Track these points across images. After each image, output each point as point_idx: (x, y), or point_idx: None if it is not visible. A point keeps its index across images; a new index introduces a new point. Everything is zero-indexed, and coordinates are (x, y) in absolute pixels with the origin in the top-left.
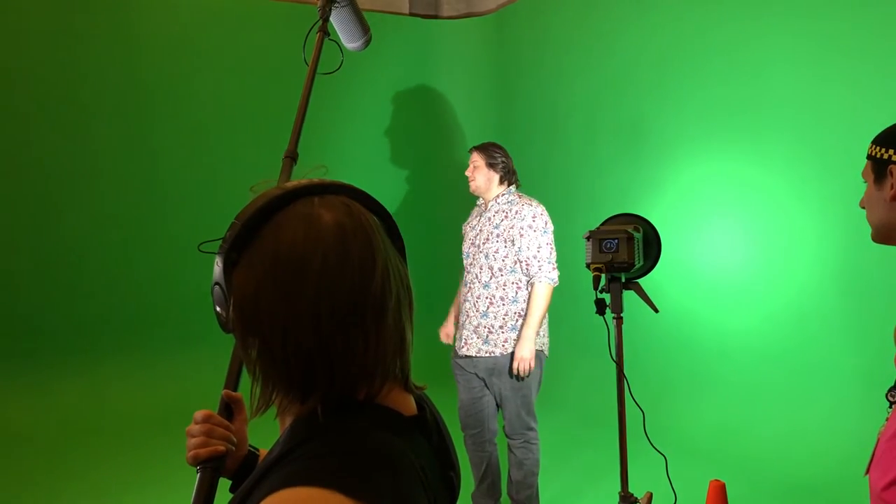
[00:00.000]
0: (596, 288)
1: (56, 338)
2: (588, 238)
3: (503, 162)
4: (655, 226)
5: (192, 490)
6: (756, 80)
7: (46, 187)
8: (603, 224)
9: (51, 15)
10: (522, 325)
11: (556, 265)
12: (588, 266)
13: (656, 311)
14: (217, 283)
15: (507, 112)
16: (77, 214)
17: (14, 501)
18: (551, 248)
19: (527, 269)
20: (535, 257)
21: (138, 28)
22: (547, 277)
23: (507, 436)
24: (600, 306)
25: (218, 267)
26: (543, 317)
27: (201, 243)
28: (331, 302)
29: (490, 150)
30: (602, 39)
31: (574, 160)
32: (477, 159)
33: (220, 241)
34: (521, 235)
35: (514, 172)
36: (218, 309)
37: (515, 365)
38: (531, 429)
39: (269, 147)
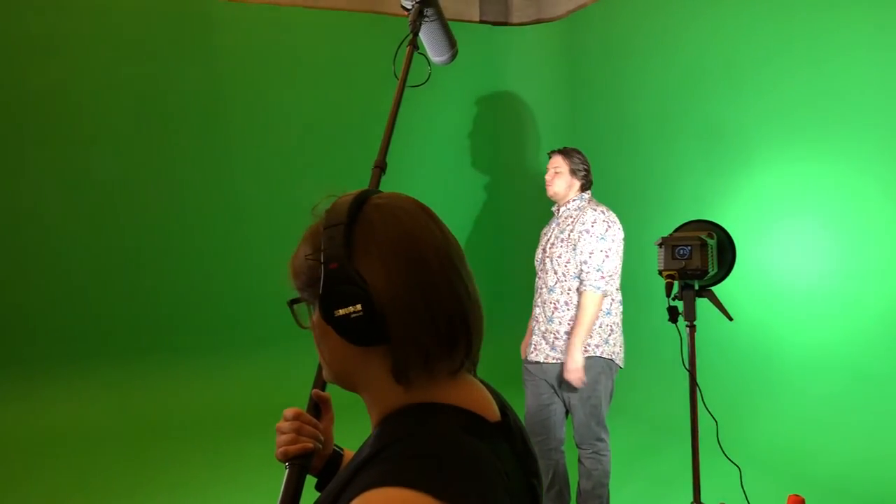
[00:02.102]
0: (668, 295)
1: (137, 339)
2: (660, 244)
3: (584, 169)
4: (730, 232)
5: (279, 487)
6: (838, 70)
7: (134, 195)
8: (676, 230)
9: (137, 32)
10: (570, 335)
11: (607, 274)
12: (660, 273)
13: (731, 319)
14: (341, 285)
15: (579, 117)
16: (159, 221)
17: (94, 497)
18: (605, 256)
19: (579, 275)
20: (585, 263)
21: (217, 41)
22: (592, 286)
23: (576, 445)
24: (673, 314)
25: (334, 268)
26: (591, 326)
27: (307, 254)
28: (449, 263)
29: (573, 156)
30: (674, 41)
31: (647, 165)
32: (560, 164)
33: (317, 252)
34: (579, 240)
35: (592, 181)
36: (340, 311)
37: (566, 375)
38: (601, 440)
39: (351, 157)
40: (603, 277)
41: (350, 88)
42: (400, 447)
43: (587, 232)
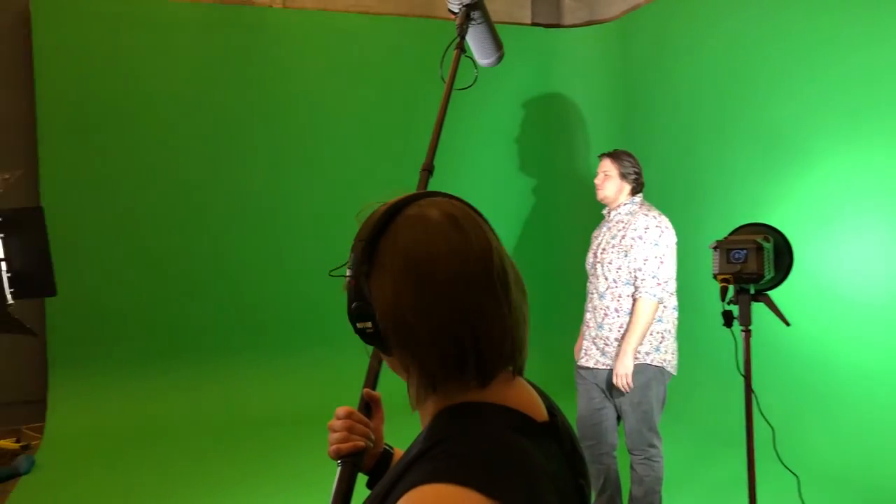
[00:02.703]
0: (723, 299)
1: (202, 340)
2: (715, 248)
3: (635, 172)
4: (788, 236)
5: (331, 484)
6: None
7: (198, 199)
8: (731, 234)
9: (201, 42)
10: (622, 340)
11: (662, 280)
12: (715, 277)
13: (788, 324)
14: (357, 301)
15: (632, 119)
16: (224, 224)
17: (155, 492)
18: (660, 263)
19: (634, 282)
20: (639, 270)
21: (279, 49)
22: (647, 293)
23: (628, 450)
24: (727, 318)
25: (352, 285)
26: (644, 333)
27: (331, 270)
28: (465, 279)
29: (623, 159)
30: (728, 41)
31: (701, 167)
32: (609, 168)
33: (346, 265)
34: (632, 247)
35: (643, 184)
36: (359, 325)
37: (613, 380)
38: (653, 446)
39: (404, 158)
40: (659, 284)
41: (403, 92)
42: (449, 445)
43: (640, 238)
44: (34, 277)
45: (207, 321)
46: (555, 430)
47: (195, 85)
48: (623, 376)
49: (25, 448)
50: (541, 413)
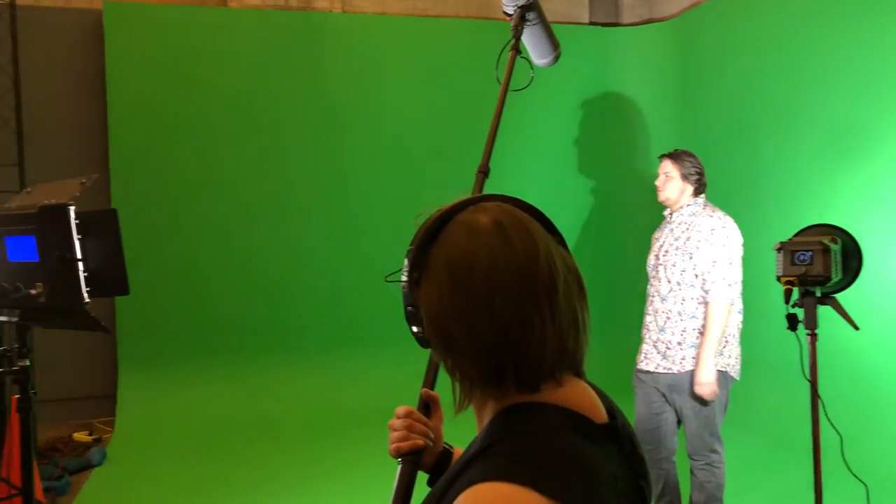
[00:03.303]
0: (787, 302)
1: (257, 337)
2: (779, 249)
3: (697, 173)
4: (857, 237)
5: (391, 482)
6: None
7: (258, 199)
8: (796, 235)
9: (264, 48)
10: (699, 347)
11: (733, 282)
12: (779, 279)
13: (856, 328)
14: (409, 306)
15: (693, 118)
16: (281, 223)
17: (221, 484)
18: (729, 264)
19: (702, 285)
20: (708, 273)
21: (332, 52)
22: (720, 295)
23: (689, 456)
24: (792, 322)
25: (405, 290)
26: (721, 337)
27: (387, 276)
28: (502, 289)
29: (684, 160)
30: (790, 38)
31: (765, 166)
32: (670, 169)
33: (400, 271)
34: (698, 249)
35: (706, 184)
36: (414, 329)
37: (696, 390)
38: (715, 451)
39: (458, 162)
40: (729, 286)
41: (459, 93)
42: (507, 444)
43: (706, 240)
44: (108, 277)
45: (272, 320)
46: (615, 432)
47: (258, 90)
48: (707, 385)
49: (97, 441)
50: (600, 415)
